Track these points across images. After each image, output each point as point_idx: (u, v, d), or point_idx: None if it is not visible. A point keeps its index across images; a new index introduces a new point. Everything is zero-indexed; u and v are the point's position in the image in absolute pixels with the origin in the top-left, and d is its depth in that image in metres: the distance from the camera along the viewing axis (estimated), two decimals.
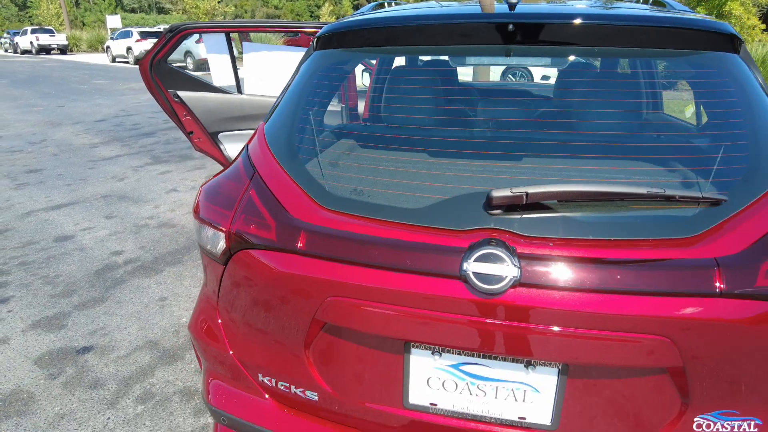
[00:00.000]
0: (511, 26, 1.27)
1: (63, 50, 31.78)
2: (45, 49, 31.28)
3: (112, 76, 17.83)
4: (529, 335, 1.05)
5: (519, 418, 1.15)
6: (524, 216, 1.09)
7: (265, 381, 1.34)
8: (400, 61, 2.07)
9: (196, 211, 1.40)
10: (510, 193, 1.06)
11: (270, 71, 2.80)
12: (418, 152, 1.35)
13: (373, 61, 2.96)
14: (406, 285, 1.09)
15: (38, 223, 4.45)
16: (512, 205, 1.09)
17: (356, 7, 79.98)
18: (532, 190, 1.06)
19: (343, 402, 1.27)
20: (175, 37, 2.58)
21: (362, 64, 3.08)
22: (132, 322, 2.98)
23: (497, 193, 1.07)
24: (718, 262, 1.00)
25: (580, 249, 1.05)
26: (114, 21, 34.12)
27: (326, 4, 51.62)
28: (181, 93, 2.74)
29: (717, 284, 0.99)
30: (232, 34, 3.00)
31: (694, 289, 0.99)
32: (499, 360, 1.13)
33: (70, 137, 7.78)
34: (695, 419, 1.08)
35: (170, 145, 7.30)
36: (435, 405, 1.19)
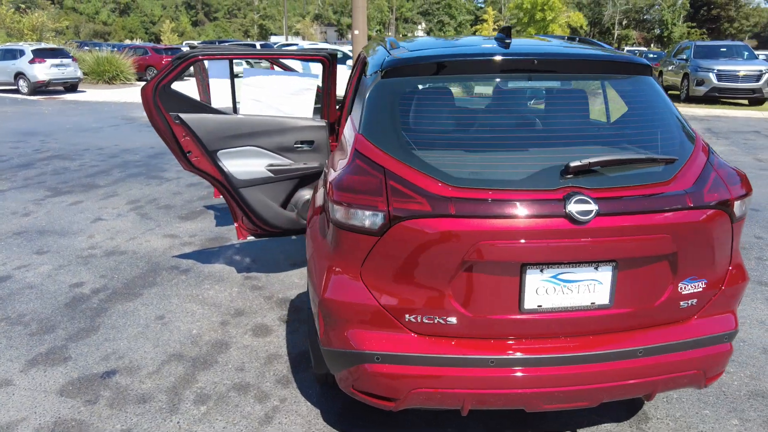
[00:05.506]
0: (536, 61, 1.98)
1: None
2: None
3: None
4: (598, 245, 1.71)
5: (591, 303, 1.79)
6: (585, 177, 1.75)
7: (411, 319, 1.78)
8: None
9: (340, 200, 1.78)
10: (579, 163, 1.72)
11: (266, 93, 3.09)
12: (507, 145, 1.98)
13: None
14: (525, 226, 1.68)
15: None
16: (579, 171, 1.73)
17: (194, 24, 75.23)
18: (592, 159, 1.73)
19: (475, 319, 1.77)
20: (183, 63, 2.74)
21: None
22: (141, 342, 3.01)
23: (572, 164, 1.72)
24: (687, 191, 1.78)
25: (620, 191, 1.74)
26: None
27: (167, 21, 48.84)
28: (182, 115, 2.90)
29: (689, 203, 1.76)
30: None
31: (679, 206, 1.75)
32: (580, 266, 1.75)
33: None
34: (679, 284, 1.84)
35: (61, 175, 6.72)
36: (540, 306, 1.77)
